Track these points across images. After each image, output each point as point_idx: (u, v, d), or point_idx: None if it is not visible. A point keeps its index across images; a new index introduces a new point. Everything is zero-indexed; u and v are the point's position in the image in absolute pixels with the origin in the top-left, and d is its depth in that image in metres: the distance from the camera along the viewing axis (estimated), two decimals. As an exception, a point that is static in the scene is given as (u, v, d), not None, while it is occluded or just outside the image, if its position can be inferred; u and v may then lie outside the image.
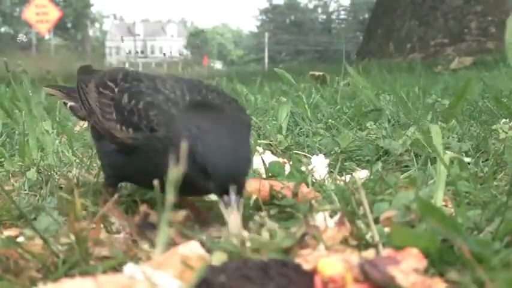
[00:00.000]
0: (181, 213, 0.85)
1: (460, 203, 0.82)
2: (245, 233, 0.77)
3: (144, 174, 0.85)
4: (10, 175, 1.31)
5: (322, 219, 0.82)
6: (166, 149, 0.80)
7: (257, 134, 1.70)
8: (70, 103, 1.08)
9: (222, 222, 0.86)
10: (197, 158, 0.76)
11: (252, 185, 1.02)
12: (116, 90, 0.92)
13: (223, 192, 0.76)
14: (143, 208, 0.84)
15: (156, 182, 0.71)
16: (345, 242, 0.75)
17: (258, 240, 0.75)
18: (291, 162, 1.20)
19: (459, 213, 0.79)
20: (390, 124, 1.80)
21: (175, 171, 0.56)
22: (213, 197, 1.03)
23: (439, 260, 0.67)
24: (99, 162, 1.06)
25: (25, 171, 1.30)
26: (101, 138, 0.94)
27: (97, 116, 0.93)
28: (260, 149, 1.41)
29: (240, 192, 0.76)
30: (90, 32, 37.45)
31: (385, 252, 0.68)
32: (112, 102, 0.91)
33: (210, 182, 0.77)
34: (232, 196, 0.76)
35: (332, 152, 1.46)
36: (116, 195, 0.87)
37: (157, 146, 0.83)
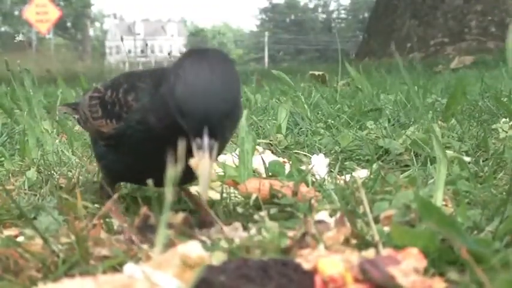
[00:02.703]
0: (180, 215, 0.85)
1: (460, 202, 0.82)
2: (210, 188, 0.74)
3: (137, 168, 0.86)
4: (10, 174, 1.31)
5: (323, 218, 0.82)
6: (147, 122, 0.80)
7: (257, 134, 1.70)
8: (77, 116, 1.09)
9: (224, 222, 0.86)
10: (174, 100, 0.72)
11: (252, 184, 1.02)
12: (103, 89, 0.93)
13: (196, 135, 0.71)
14: (143, 210, 0.84)
15: (150, 181, 0.71)
16: (345, 242, 0.75)
17: (257, 239, 0.75)
18: (290, 162, 1.20)
19: (459, 212, 0.79)
20: (390, 124, 1.80)
21: (174, 170, 0.56)
22: (213, 195, 1.04)
23: (439, 260, 0.67)
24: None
25: (25, 170, 1.30)
26: (96, 142, 0.95)
27: (89, 120, 0.94)
28: (260, 148, 1.41)
29: (214, 135, 0.71)
30: (91, 32, 37.45)
31: (385, 251, 0.68)
32: (98, 101, 0.92)
33: (185, 127, 0.72)
34: (205, 139, 0.70)
35: (332, 152, 1.46)
36: (115, 195, 0.88)
37: (138, 125, 0.83)
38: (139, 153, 0.85)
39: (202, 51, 0.77)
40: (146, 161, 0.83)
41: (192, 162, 0.70)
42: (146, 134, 0.82)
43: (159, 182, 0.67)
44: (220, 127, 0.71)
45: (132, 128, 0.84)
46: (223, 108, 0.72)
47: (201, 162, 0.70)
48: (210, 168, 0.70)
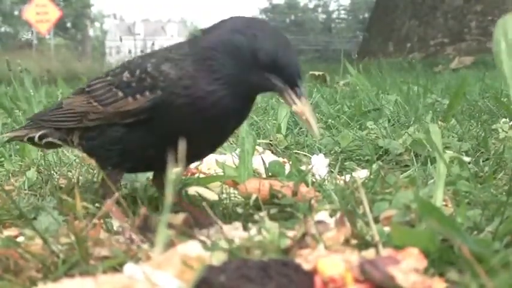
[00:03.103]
0: (180, 216, 0.85)
1: (460, 202, 0.82)
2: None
3: (164, 142, 0.85)
4: (10, 175, 1.31)
5: (323, 218, 0.82)
6: (193, 94, 0.83)
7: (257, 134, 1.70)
8: (39, 133, 1.04)
9: (224, 222, 0.86)
10: (261, 55, 0.80)
11: (252, 185, 1.02)
12: (109, 78, 0.93)
13: (294, 84, 0.81)
14: (143, 210, 0.84)
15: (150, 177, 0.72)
16: (345, 242, 0.75)
17: (257, 240, 0.75)
18: (290, 162, 1.20)
19: (459, 213, 0.79)
20: (390, 124, 1.80)
21: (174, 171, 0.56)
22: (211, 195, 1.04)
23: (439, 260, 0.67)
24: (97, 164, 1.03)
25: (25, 170, 1.30)
26: (103, 131, 0.92)
27: (92, 112, 0.93)
28: (260, 148, 1.41)
29: (302, 83, 0.83)
30: (91, 32, 37.45)
31: (385, 252, 0.68)
32: (111, 86, 0.91)
33: (276, 79, 0.82)
34: (302, 87, 0.82)
35: (332, 152, 1.46)
36: (116, 195, 0.87)
37: (179, 90, 0.84)
38: (174, 124, 0.85)
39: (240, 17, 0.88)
40: (179, 132, 0.79)
41: (296, 108, 0.82)
42: (190, 100, 0.84)
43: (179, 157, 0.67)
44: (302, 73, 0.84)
45: (177, 94, 0.84)
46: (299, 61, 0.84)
47: (304, 107, 0.81)
48: (312, 111, 0.82)
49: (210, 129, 0.86)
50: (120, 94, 0.89)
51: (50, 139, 1.02)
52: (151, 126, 0.87)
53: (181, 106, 0.84)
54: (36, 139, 1.04)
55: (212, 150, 0.96)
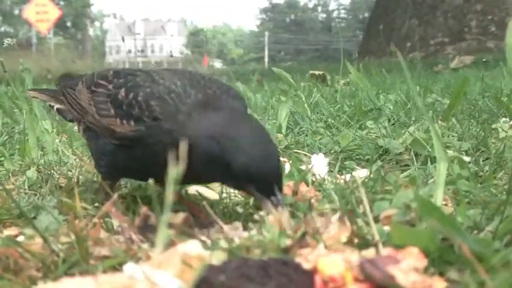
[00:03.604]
0: (181, 215, 0.85)
1: (460, 202, 0.82)
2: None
3: (147, 167, 0.85)
4: (10, 174, 1.31)
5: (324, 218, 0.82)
6: (173, 141, 0.80)
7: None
8: (57, 105, 1.07)
9: (224, 222, 0.86)
10: (235, 168, 0.77)
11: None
12: (111, 86, 0.92)
13: (269, 194, 0.77)
14: (143, 210, 0.84)
15: (151, 181, 0.72)
16: (345, 241, 0.75)
17: (257, 239, 0.75)
18: (290, 161, 1.20)
19: (459, 212, 0.79)
20: (390, 123, 1.80)
21: (175, 170, 0.56)
22: (211, 194, 1.04)
23: (439, 259, 0.67)
24: (93, 162, 1.04)
25: (25, 170, 1.30)
26: (98, 137, 0.93)
27: (92, 115, 0.93)
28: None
29: (281, 189, 0.78)
30: (90, 31, 37.45)
31: (385, 251, 0.68)
32: (108, 99, 0.91)
33: (252, 188, 0.78)
34: (279, 196, 0.77)
35: (332, 151, 1.46)
36: (115, 195, 0.87)
37: (161, 135, 0.83)
38: (154, 153, 0.84)
39: (217, 105, 0.84)
40: (161, 159, 0.81)
41: (272, 218, 0.77)
42: (168, 144, 0.82)
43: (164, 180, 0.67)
44: (282, 181, 0.79)
45: (154, 135, 0.84)
46: (280, 164, 0.79)
47: (280, 216, 0.76)
48: (289, 219, 0.77)
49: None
50: (112, 112, 0.89)
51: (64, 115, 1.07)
52: (134, 151, 0.87)
53: (162, 145, 0.83)
54: (54, 110, 1.09)
55: (196, 182, 0.96)
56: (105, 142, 0.91)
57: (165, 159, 0.78)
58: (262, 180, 0.77)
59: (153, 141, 0.84)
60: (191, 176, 0.72)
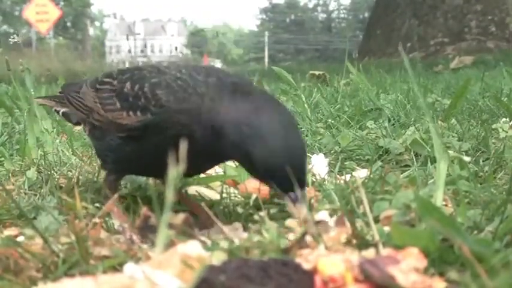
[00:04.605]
0: (181, 216, 0.85)
1: (460, 202, 0.82)
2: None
3: (156, 159, 0.84)
4: (10, 174, 1.31)
5: (323, 218, 0.82)
6: (188, 128, 0.80)
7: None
8: (62, 110, 1.08)
9: (224, 222, 0.86)
10: (254, 160, 0.74)
11: (252, 184, 1.02)
12: (115, 82, 0.92)
13: (289, 189, 0.74)
14: (143, 210, 0.84)
15: (151, 181, 0.71)
16: (345, 242, 0.75)
17: (257, 240, 0.75)
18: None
19: (459, 212, 0.79)
20: (390, 123, 1.80)
21: (175, 171, 0.56)
22: (212, 194, 1.04)
23: (439, 260, 0.67)
24: (99, 162, 1.05)
25: (25, 170, 1.30)
26: (104, 135, 0.93)
27: (97, 112, 0.93)
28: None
29: (302, 184, 0.75)
30: (90, 31, 37.45)
31: (385, 251, 0.68)
32: (113, 94, 0.91)
33: (272, 183, 0.76)
34: (299, 193, 0.74)
35: (332, 151, 1.46)
36: (116, 195, 0.87)
37: (170, 121, 0.82)
38: (163, 141, 0.83)
39: (246, 90, 0.80)
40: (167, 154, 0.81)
41: (293, 212, 0.75)
42: (178, 127, 0.81)
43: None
44: (306, 176, 0.76)
45: (161, 122, 0.83)
46: (305, 158, 0.76)
47: (300, 213, 0.74)
48: (309, 215, 0.74)
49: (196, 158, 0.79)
50: (118, 105, 0.89)
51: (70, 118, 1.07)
52: (141, 144, 0.87)
53: (170, 133, 0.83)
54: (60, 115, 1.10)
55: (199, 172, 0.96)
56: (111, 138, 0.91)
57: (176, 147, 0.77)
58: (281, 175, 0.73)
59: (160, 129, 0.83)
60: (214, 159, 0.75)
